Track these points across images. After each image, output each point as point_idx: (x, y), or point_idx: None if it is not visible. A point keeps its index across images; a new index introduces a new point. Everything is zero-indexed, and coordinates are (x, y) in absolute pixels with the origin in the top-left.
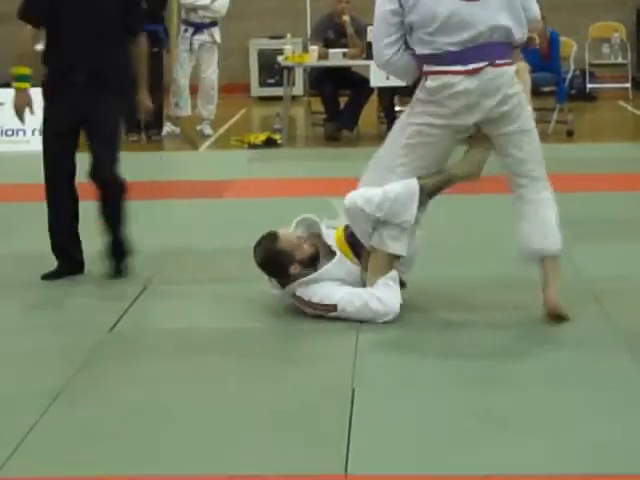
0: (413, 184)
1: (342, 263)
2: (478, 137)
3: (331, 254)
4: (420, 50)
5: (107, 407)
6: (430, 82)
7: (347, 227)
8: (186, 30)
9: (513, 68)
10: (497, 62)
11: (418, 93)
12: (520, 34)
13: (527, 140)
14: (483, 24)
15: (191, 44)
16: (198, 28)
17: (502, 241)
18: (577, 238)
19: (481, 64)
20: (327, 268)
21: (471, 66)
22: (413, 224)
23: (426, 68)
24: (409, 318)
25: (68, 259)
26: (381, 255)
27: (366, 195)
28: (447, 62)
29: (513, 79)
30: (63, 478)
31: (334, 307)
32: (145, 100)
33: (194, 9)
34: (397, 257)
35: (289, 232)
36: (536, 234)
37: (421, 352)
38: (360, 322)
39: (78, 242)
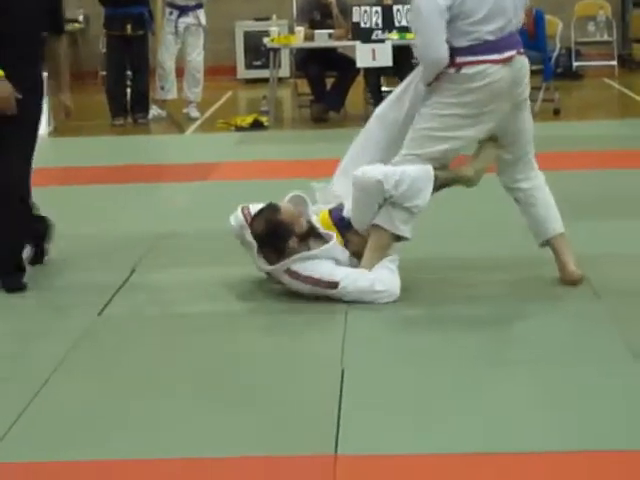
0: (430, 170)
1: (337, 244)
2: (487, 141)
3: (318, 236)
4: (458, 43)
5: (98, 390)
6: (466, 70)
7: (332, 211)
8: (171, 13)
9: None
10: (521, 50)
11: (445, 84)
12: (521, 20)
13: (529, 124)
14: (511, 12)
15: (176, 27)
16: (183, 11)
17: (495, 220)
18: (565, 216)
19: (513, 52)
20: (327, 247)
21: (506, 54)
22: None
23: (459, 60)
24: (398, 297)
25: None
26: (385, 236)
27: (385, 170)
28: (484, 51)
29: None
30: (55, 462)
31: (335, 284)
32: (66, 100)
33: None
34: (399, 239)
35: (289, 205)
36: (551, 218)
37: (410, 331)
38: (348, 302)
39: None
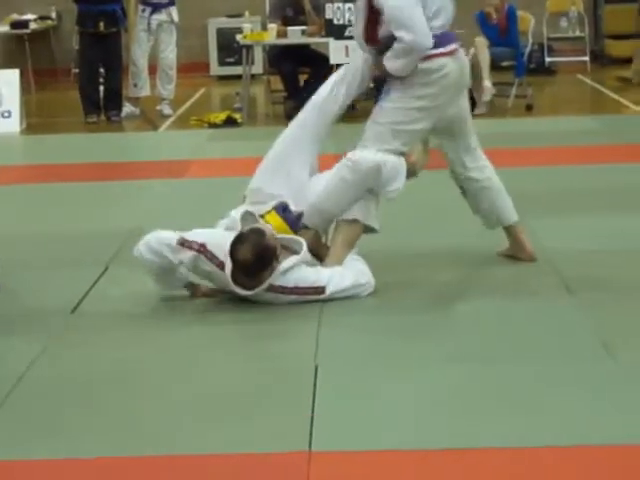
0: (401, 157)
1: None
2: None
3: (284, 246)
4: None
5: (72, 389)
6: (427, 64)
7: (278, 212)
8: (144, 10)
9: None
10: (459, 44)
11: (408, 78)
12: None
13: (469, 114)
14: (450, 8)
15: (149, 24)
16: (156, 7)
17: (451, 214)
18: (537, 212)
19: (455, 45)
20: (303, 255)
21: (451, 47)
22: None
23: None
24: (369, 294)
25: None
26: (358, 229)
27: (382, 156)
28: (437, 45)
29: None
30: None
31: (322, 289)
32: None
33: None
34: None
35: (269, 226)
36: (508, 206)
37: (383, 329)
38: (323, 301)
39: None
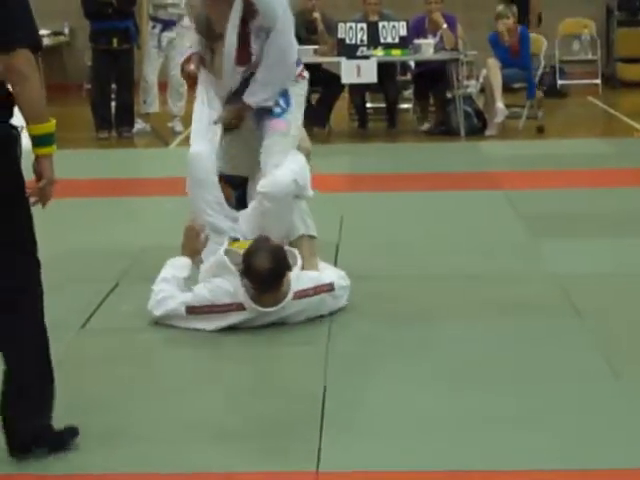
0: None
1: None
2: None
3: None
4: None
5: (79, 404)
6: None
7: (243, 238)
8: (154, 27)
9: None
10: None
11: (297, 89)
12: None
13: None
14: None
15: (159, 40)
16: (167, 25)
17: (458, 233)
18: (547, 234)
19: None
20: (300, 262)
21: None
22: None
23: (299, 68)
24: (380, 313)
25: None
26: (310, 239)
27: (291, 168)
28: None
29: None
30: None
31: (332, 285)
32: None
33: (163, 6)
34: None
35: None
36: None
37: (393, 349)
38: (330, 319)
39: None
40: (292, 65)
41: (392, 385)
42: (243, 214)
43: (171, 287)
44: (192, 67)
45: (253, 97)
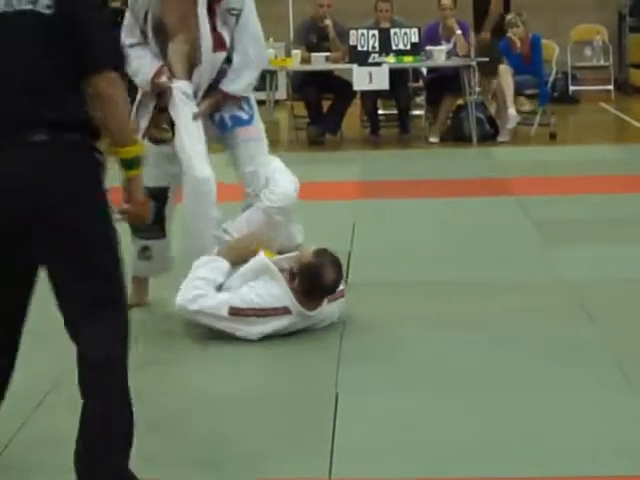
0: None
1: None
2: None
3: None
4: None
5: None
6: None
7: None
8: None
9: None
10: None
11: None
12: None
13: None
14: None
15: None
16: None
17: (471, 244)
18: (560, 240)
19: None
20: None
21: None
22: None
23: None
24: (390, 323)
25: None
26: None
27: (290, 178)
28: None
29: None
30: None
31: (343, 290)
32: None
33: None
34: None
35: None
36: None
37: (404, 357)
38: (343, 328)
39: None
40: (265, 48)
41: (407, 392)
42: (236, 224)
43: (208, 287)
44: (163, 79)
45: (232, 85)
